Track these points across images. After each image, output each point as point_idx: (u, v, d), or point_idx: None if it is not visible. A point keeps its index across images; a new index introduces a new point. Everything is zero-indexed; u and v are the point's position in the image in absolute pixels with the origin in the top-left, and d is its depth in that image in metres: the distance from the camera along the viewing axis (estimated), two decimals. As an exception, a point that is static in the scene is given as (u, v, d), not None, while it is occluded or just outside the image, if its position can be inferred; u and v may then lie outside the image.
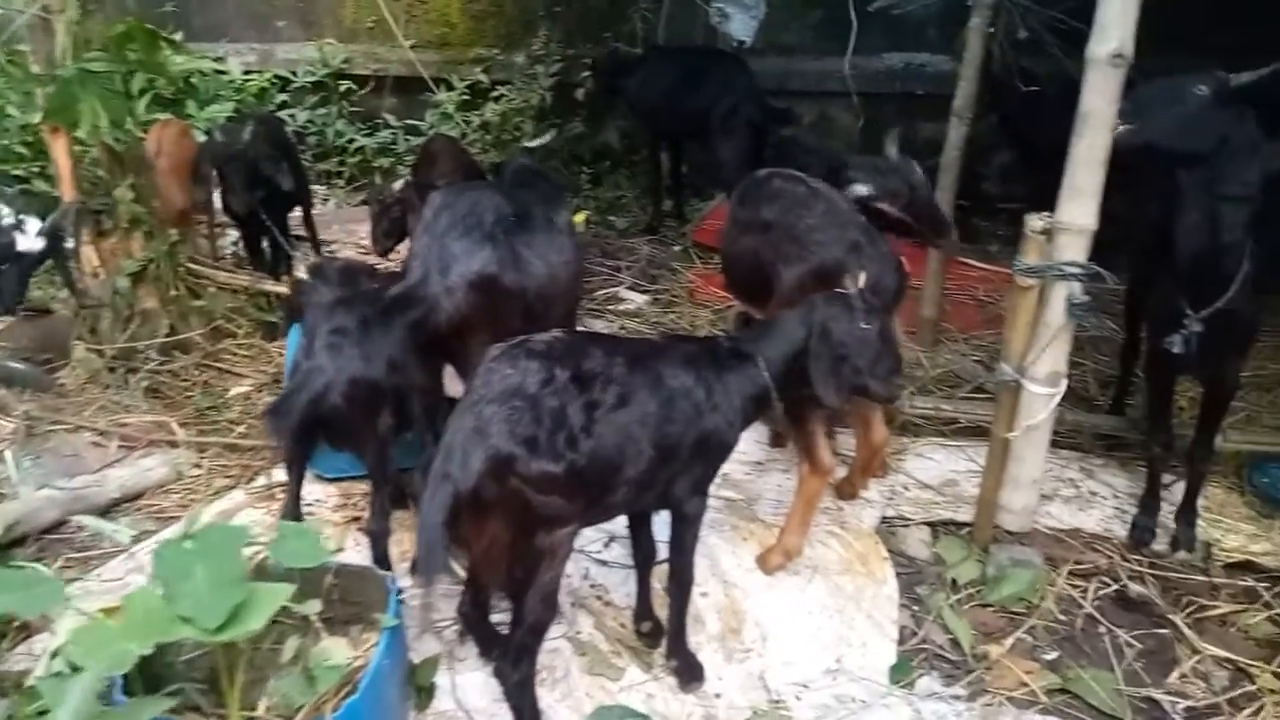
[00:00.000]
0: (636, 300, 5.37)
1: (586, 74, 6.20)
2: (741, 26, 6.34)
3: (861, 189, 3.24)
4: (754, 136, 5.41)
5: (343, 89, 7.41)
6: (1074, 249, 2.74)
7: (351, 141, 7.26)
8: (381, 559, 2.90)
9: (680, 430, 2.34)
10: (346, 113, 7.42)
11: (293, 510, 2.89)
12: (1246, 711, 2.67)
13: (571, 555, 3.18)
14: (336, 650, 2.29)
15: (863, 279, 2.79)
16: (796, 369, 2.53)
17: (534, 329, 3.05)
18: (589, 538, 3.27)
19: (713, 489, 3.58)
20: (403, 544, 3.15)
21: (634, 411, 2.23)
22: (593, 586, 3.13)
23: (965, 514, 3.40)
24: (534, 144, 4.75)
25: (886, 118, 6.29)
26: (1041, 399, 2.89)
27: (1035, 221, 2.76)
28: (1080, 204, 2.71)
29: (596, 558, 3.23)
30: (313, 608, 2.21)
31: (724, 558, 3.26)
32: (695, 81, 5.66)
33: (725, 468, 3.73)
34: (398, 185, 4.34)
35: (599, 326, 5.01)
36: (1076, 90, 2.74)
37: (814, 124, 6.42)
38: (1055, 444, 3.80)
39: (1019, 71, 4.40)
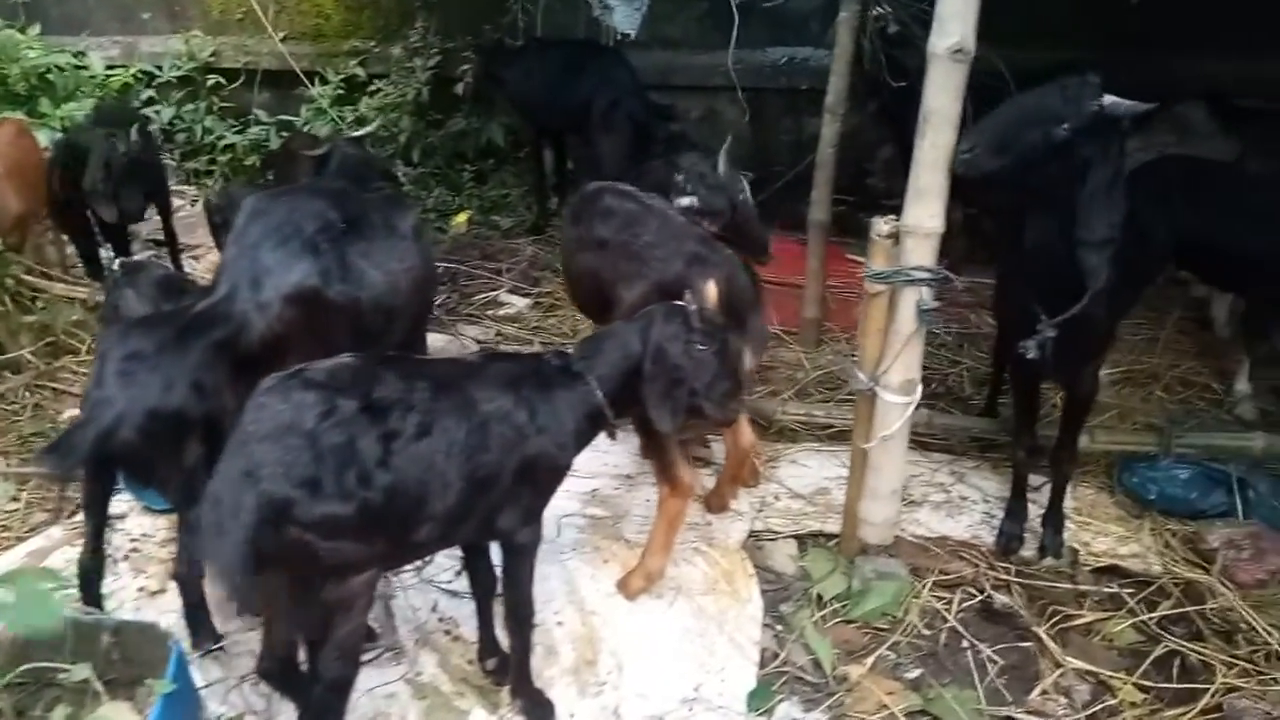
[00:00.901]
0: (517, 304, 5.16)
1: (466, 67, 5.95)
2: (625, 19, 6.12)
3: (685, 201, 3.12)
4: (636, 132, 5.25)
5: (211, 84, 7.02)
6: (921, 253, 2.63)
7: (221, 139, 6.87)
8: (196, 605, 2.65)
9: (497, 458, 2.16)
10: (216, 109, 7.03)
11: (89, 559, 2.61)
12: (1105, 727, 2.61)
13: (418, 586, 3.03)
14: (116, 715, 2.05)
15: (713, 291, 2.65)
16: (632, 385, 2.37)
17: (373, 344, 2.86)
18: (440, 565, 3.07)
19: (578, 507, 3.47)
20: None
21: (438, 441, 2.04)
22: (441, 620, 2.93)
23: (835, 524, 3.29)
24: (361, 132, 4.48)
25: (772, 112, 6.22)
26: (896, 408, 2.79)
27: (881, 225, 2.65)
28: (926, 206, 2.60)
29: (446, 588, 3.02)
30: (80, 673, 1.97)
31: (584, 583, 3.09)
32: (575, 75, 5.47)
33: (593, 483, 3.62)
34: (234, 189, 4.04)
35: (475, 332, 4.80)
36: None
37: (701, 119, 6.28)
38: (927, 446, 3.76)
39: (890, 65, 4.32)
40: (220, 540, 1.84)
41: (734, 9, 5.15)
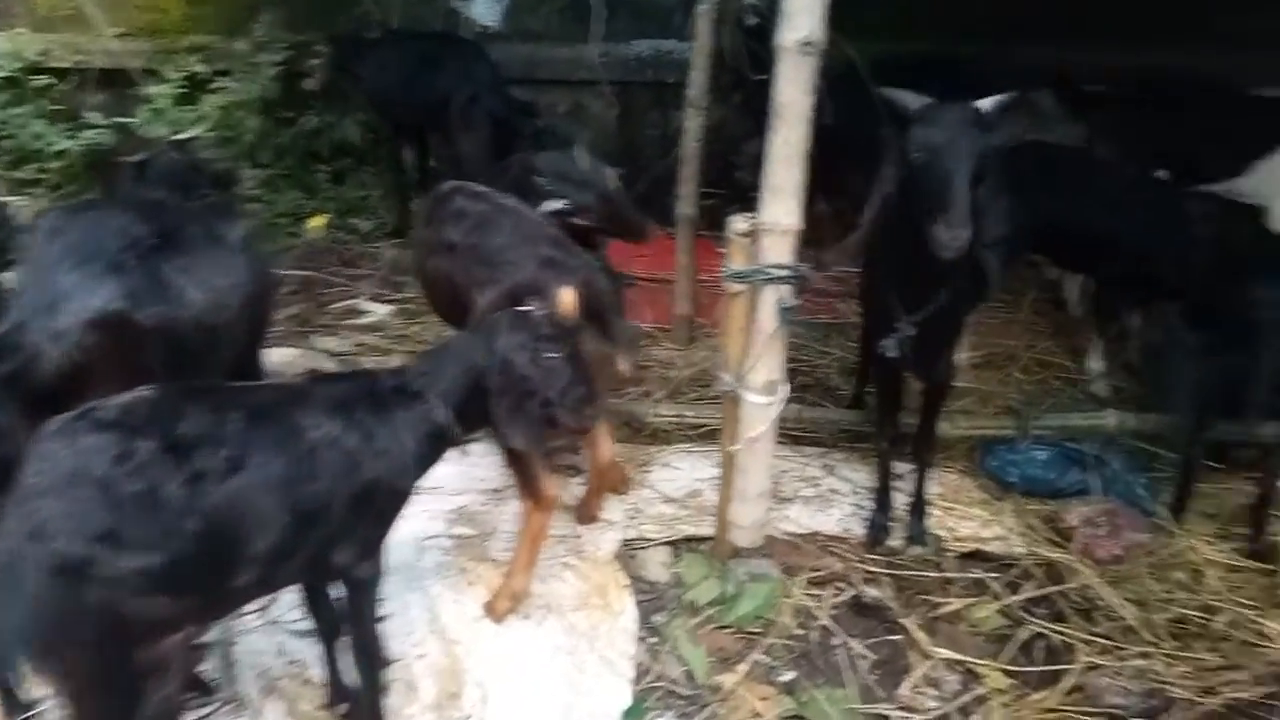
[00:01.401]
0: (378, 312, 4.92)
1: (316, 61, 5.64)
2: (485, 10, 5.97)
3: (554, 204, 3.01)
4: (497, 129, 5.08)
5: (40, 84, 6.46)
6: (779, 250, 2.57)
7: (52, 144, 6.33)
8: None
9: (327, 488, 1.98)
10: (46, 111, 6.48)
11: None
12: (975, 717, 2.62)
13: (264, 629, 2.81)
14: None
15: (570, 296, 2.53)
16: (479, 400, 2.23)
17: (198, 370, 2.61)
18: (287, 604, 2.84)
19: (442, 527, 3.30)
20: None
21: (254, 475, 1.85)
22: (290, 663, 2.71)
23: (709, 527, 3.21)
24: (184, 136, 4.18)
25: (640, 107, 6.14)
26: (760, 409, 2.73)
27: (738, 223, 2.58)
28: (782, 203, 2.54)
29: (293, 629, 2.80)
30: None
31: (447, 609, 2.92)
32: (432, 69, 5.25)
33: (459, 499, 3.45)
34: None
35: (332, 344, 4.54)
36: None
37: (568, 114, 6.14)
38: (797, 440, 3.74)
39: (751, 58, 4.29)
40: (5, 614, 1.62)
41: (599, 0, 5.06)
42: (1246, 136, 4.43)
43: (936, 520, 3.33)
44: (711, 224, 5.38)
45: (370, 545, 2.16)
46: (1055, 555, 3.19)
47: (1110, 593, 3.00)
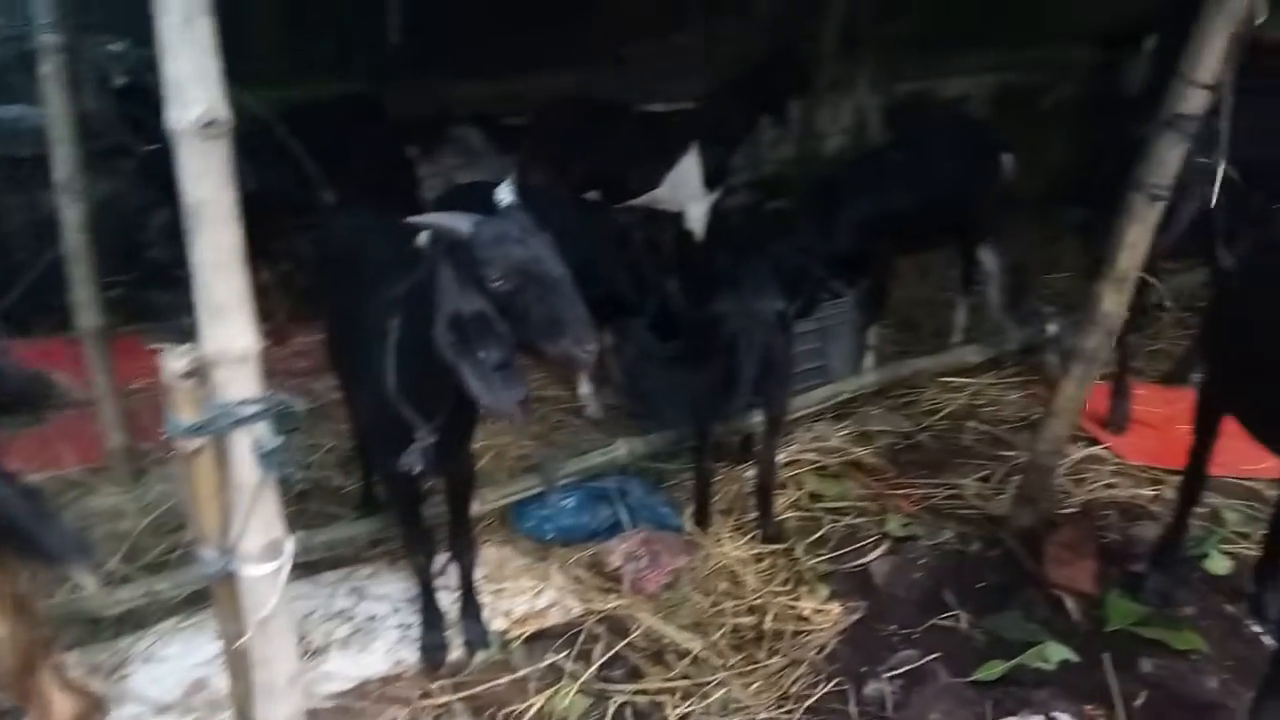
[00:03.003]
0: None
1: None
2: None
3: None
4: None
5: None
6: (241, 382, 1.99)
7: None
8: None
9: None
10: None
11: None
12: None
13: None
14: None
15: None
16: None
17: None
18: None
19: None
20: None
21: None
22: None
23: (230, 723, 2.52)
24: None
25: None
26: (266, 581, 2.13)
27: (173, 363, 1.94)
28: (229, 323, 1.96)
29: None
30: None
31: None
32: None
33: None
34: None
35: None
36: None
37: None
38: (314, 567, 3.17)
39: (132, 123, 3.49)
40: None
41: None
42: (654, 150, 4.83)
43: (490, 607, 3.04)
44: (130, 316, 4.46)
45: None
46: (611, 604, 3.09)
47: (672, 630, 2.97)
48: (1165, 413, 3.96)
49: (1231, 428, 2.68)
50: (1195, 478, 2.92)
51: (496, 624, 2.99)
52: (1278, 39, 2.92)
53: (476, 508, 3.12)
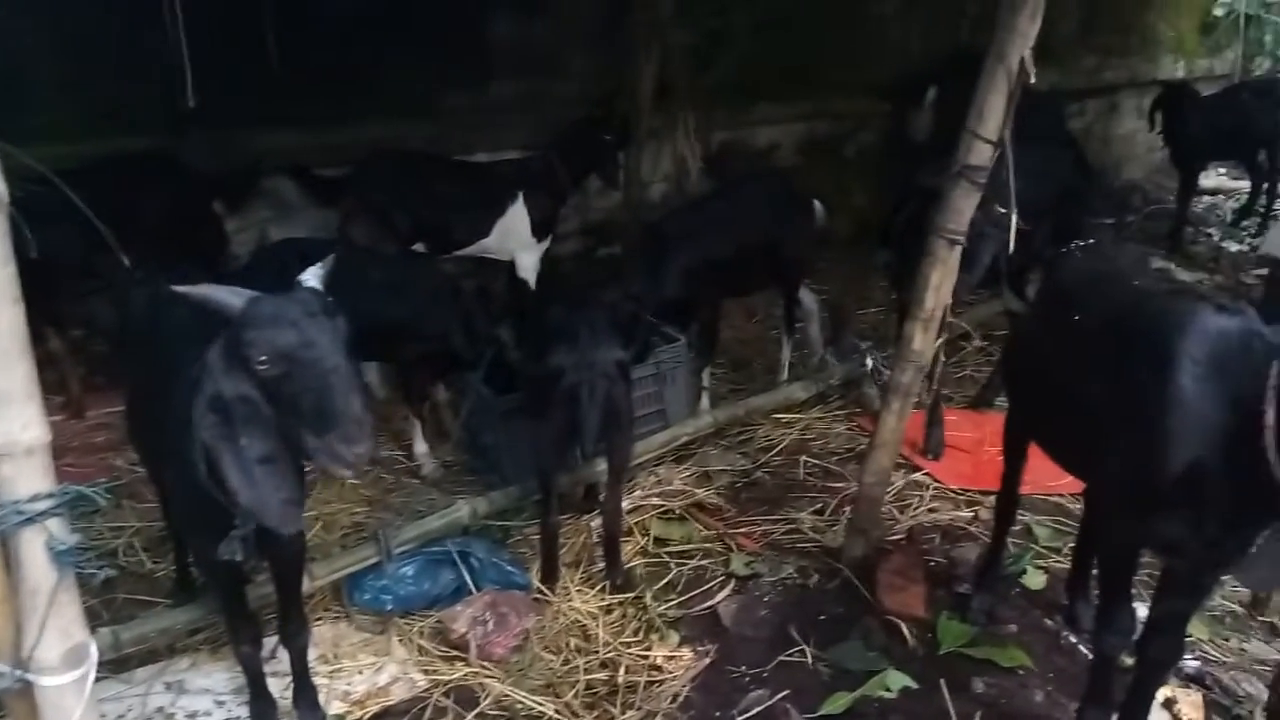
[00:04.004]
0: None
1: None
2: None
3: None
4: None
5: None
6: (30, 476, 1.79)
7: None
8: None
9: None
10: None
11: None
12: None
13: None
14: None
15: None
16: None
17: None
18: None
19: None
20: None
21: None
22: None
23: None
24: None
25: None
26: (70, 691, 1.91)
27: (-58, 460, 1.72)
28: (14, 413, 1.76)
29: None
30: None
31: None
32: None
33: None
34: None
35: None
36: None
37: None
38: (124, 663, 2.88)
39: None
40: None
41: None
42: (479, 200, 4.79)
43: (325, 689, 2.85)
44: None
45: None
46: (458, 674, 2.97)
47: (523, 694, 2.88)
48: (975, 436, 4.25)
49: (1037, 448, 2.89)
50: (1008, 499, 3.13)
51: (334, 708, 2.81)
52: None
53: (307, 584, 2.93)
